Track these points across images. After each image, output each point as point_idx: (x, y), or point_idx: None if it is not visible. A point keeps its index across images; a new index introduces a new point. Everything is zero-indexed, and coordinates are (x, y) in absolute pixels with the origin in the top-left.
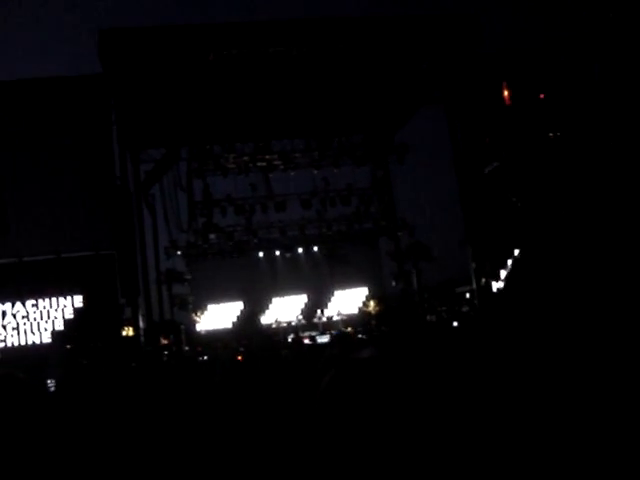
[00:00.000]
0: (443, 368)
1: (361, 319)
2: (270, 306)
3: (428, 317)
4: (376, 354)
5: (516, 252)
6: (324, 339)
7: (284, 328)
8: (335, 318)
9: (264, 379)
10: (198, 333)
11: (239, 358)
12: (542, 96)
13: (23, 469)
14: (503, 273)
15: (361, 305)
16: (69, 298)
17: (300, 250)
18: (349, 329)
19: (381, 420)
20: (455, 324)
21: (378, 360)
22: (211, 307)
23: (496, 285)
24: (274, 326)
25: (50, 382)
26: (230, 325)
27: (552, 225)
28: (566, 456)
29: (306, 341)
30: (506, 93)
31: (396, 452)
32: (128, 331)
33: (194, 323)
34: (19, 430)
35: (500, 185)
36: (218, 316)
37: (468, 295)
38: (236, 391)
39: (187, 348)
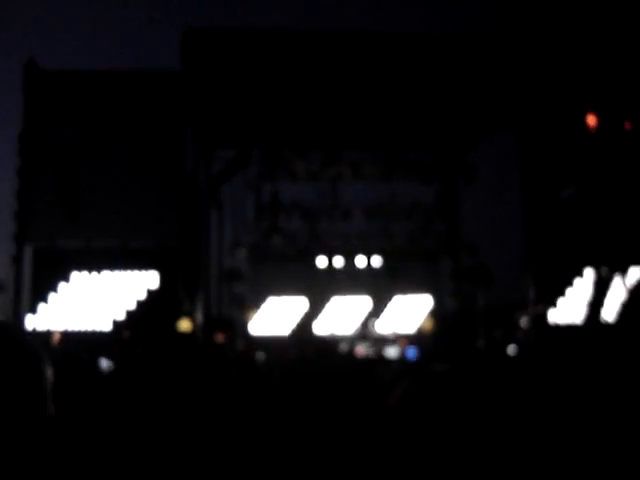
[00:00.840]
0: (509, 389)
1: (417, 335)
2: (327, 315)
3: (480, 340)
4: (453, 369)
5: (578, 282)
6: (392, 352)
7: (340, 338)
8: (391, 332)
9: (321, 385)
10: (253, 332)
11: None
12: (628, 125)
13: (74, 444)
14: (561, 301)
15: (419, 323)
16: (131, 287)
17: (361, 262)
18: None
19: (457, 435)
20: (510, 349)
21: (456, 375)
22: (268, 309)
23: (553, 313)
24: (329, 335)
25: (105, 364)
26: (286, 329)
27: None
28: None
29: (363, 352)
30: (590, 120)
31: (471, 467)
32: (185, 324)
33: (250, 322)
34: (76, 406)
35: (573, 212)
36: (275, 318)
37: (524, 321)
38: (292, 394)
39: (241, 346)
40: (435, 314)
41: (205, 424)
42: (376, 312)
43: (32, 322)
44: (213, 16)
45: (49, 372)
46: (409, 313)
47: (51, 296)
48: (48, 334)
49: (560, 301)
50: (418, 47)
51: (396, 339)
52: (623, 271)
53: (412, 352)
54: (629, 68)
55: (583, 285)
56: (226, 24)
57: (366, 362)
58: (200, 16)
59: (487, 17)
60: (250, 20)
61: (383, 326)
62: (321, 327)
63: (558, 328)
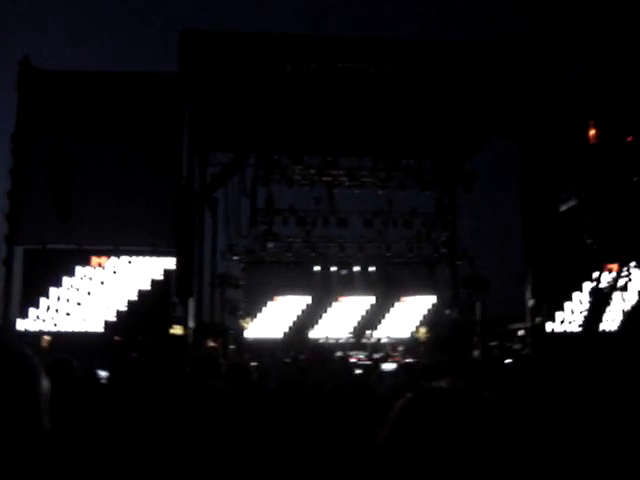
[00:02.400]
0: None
1: (410, 345)
2: (320, 321)
3: (476, 352)
4: (457, 385)
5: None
6: (390, 367)
7: (333, 345)
8: (384, 340)
9: (315, 392)
10: (246, 339)
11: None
12: (630, 139)
13: (71, 453)
14: (559, 314)
15: (413, 330)
16: (123, 289)
17: (356, 268)
18: (396, 353)
19: (458, 452)
20: (507, 361)
21: (460, 391)
22: (261, 315)
23: (551, 325)
24: (323, 341)
25: (101, 374)
26: (279, 335)
27: None
28: None
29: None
30: (592, 132)
31: None
32: (177, 330)
33: (242, 329)
34: (68, 417)
35: (573, 224)
36: (268, 325)
37: (521, 332)
38: (288, 401)
39: (233, 353)
40: (430, 322)
41: (199, 437)
42: (371, 319)
43: (22, 324)
44: (211, 18)
45: (45, 384)
46: (405, 319)
47: (41, 298)
48: (38, 337)
49: (558, 314)
50: (418, 54)
51: (391, 355)
52: (623, 284)
53: None
54: (630, 80)
55: (582, 299)
56: (224, 27)
57: (360, 367)
58: (198, 18)
59: (490, 25)
60: (249, 23)
61: (378, 332)
62: (316, 332)
63: (555, 337)
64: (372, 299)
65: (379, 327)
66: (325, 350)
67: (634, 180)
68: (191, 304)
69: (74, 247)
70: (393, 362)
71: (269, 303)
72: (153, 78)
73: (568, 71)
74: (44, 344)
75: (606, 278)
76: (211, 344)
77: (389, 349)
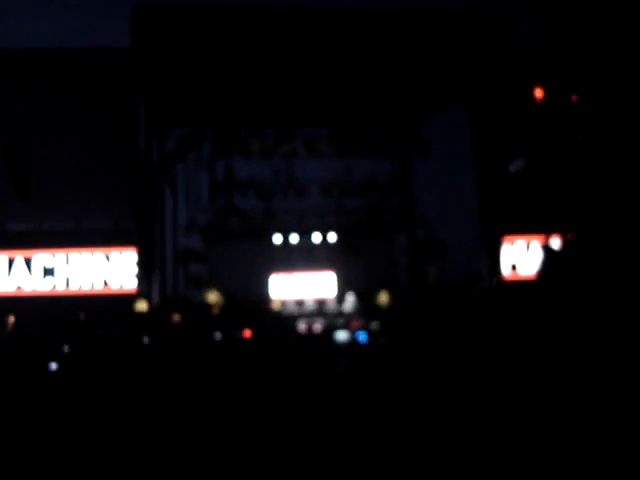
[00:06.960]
0: (448, 359)
1: (371, 311)
2: (282, 290)
3: (437, 313)
4: (386, 342)
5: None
6: (342, 336)
7: (294, 313)
8: (345, 308)
9: (276, 359)
10: (210, 312)
11: (248, 336)
12: (575, 98)
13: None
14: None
15: (374, 296)
16: (85, 268)
17: (317, 238)
18: (356, 321)
19: (391, 403)
20: (460, 321)
21: (388, 347)
22: (224, 287)
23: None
24: (284, 309)
25: (65, 348)
26: (242, 306)
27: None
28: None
29: (319, 328)
30: (538, 93)
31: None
32: (141, 305)
33: (207, 302)
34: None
35: (523, 184)
36: (231, 297)
37: (479, 293)
38: (248, 370)
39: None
40: (390, 291)
41: (167, 406)
42: (332, 288)
43: None
44: None
45: None
46: (365, 285)
47: (3, 279)
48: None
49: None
50: (370, 22)
51: (347, 323)
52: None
53: (363, 336)
54: (575, 41)
55: (535, 255)
56: (177, 1)
57: (317, 338)
58: None
59: None
60: None
61: (340, 302)
62: (277, 304)
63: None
64: (325, 275)
65: (340, 295)
66: (286, 320)
67: (579, 138)
68: (155, 279)
69: (34, 226)
70: (349, 329)
71: (231, 276)
72: (107, 54)
73: (516, 34)
74: (8, 325)
75: (556, 240)
76: (176, 318)
77: (350, 316)
